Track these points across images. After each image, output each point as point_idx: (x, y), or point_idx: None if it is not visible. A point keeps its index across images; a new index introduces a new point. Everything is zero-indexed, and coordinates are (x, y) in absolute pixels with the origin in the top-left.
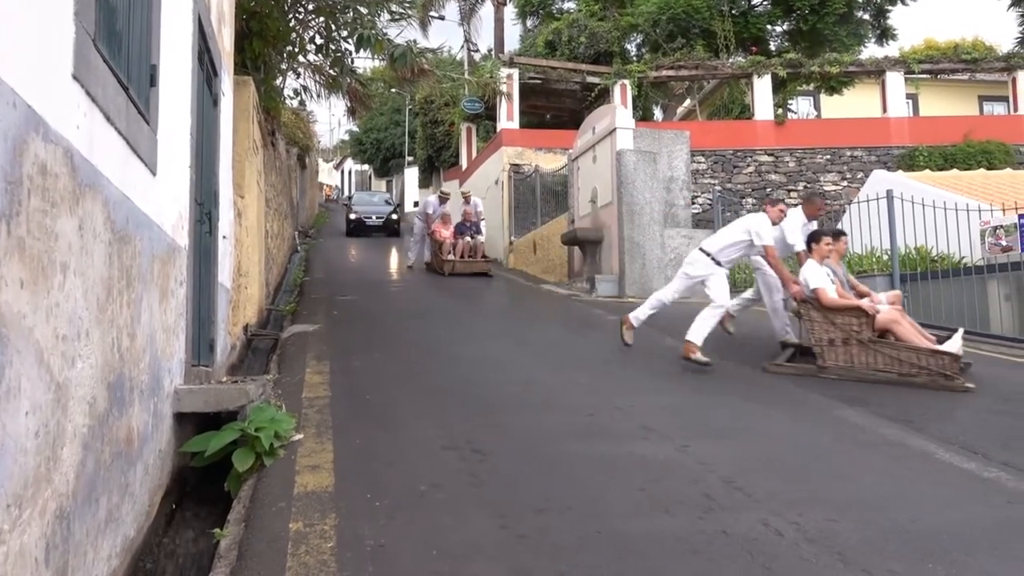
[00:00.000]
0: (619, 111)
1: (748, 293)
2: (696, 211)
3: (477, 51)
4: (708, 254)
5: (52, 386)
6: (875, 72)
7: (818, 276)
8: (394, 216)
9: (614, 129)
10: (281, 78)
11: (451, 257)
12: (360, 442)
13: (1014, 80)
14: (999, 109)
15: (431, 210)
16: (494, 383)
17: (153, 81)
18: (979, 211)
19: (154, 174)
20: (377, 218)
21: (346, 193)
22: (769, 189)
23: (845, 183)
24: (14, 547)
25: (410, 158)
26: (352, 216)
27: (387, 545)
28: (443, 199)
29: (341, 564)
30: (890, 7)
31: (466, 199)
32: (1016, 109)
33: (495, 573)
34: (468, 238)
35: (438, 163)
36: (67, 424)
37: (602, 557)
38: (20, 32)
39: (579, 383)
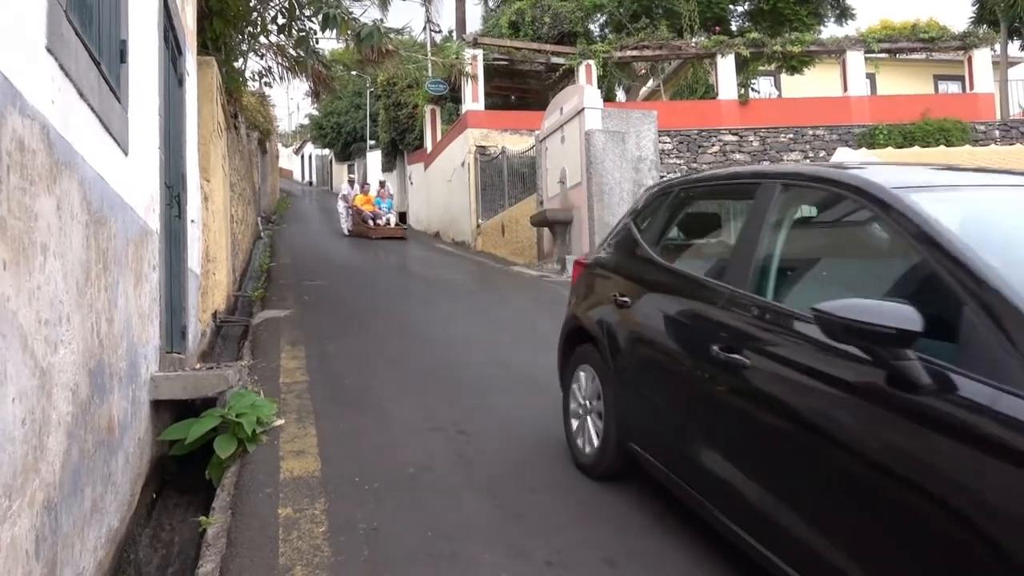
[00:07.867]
0: (587, 91)
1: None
2: None
3: (439, 32)
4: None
5: (36, 372)
6: (835, 51)
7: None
8: None
9: (582, 109)
10: (242, 59)
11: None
12: (343, 426)
13: (970, 59)
14: (953, 88)
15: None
16: (472, 365)
17: (123, 57)
18: None
19: (126, 154)
20: None
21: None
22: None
23: (808, 161)
24: (5, 539)
25: (372, 142)
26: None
27: (380, 528)
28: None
29: (336, 548)
30: None
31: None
32: (971, 87)
33: (493, 552)
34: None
35: (402, 146)
36: (52, 412)
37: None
38: None
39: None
